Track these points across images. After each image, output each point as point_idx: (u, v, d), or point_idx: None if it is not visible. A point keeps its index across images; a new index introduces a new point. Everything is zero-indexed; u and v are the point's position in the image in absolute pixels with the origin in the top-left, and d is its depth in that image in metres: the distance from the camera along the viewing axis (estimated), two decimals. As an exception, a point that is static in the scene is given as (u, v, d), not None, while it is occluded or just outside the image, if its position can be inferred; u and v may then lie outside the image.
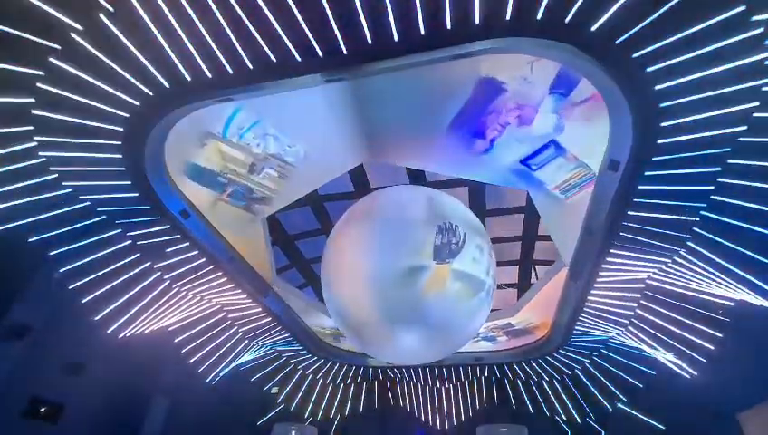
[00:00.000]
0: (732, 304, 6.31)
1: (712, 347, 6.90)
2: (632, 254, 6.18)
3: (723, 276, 5.59)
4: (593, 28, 3.75)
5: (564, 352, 9.38)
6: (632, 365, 8.92)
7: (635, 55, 3.90)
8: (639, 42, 3.79)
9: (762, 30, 3.50)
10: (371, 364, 10.79)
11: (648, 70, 3.99)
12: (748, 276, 5.36)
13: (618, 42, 3.82)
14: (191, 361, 8.57)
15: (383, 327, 6.12)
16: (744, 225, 5.04)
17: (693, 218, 5.26)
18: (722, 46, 3.68)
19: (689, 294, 6.60)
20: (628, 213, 5.54)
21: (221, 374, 9.25)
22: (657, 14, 3.52)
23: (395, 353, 7.07)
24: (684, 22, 3.57)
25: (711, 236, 5.37)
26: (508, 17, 3.75)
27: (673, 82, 4.06)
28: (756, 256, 5.15)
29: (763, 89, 3.91)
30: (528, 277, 11.46)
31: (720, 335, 6.76)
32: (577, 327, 8.40)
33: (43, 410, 7.66)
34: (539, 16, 3.73)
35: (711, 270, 5.67)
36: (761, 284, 5.32)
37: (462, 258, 5.79)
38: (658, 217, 5.43)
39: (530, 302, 8.67)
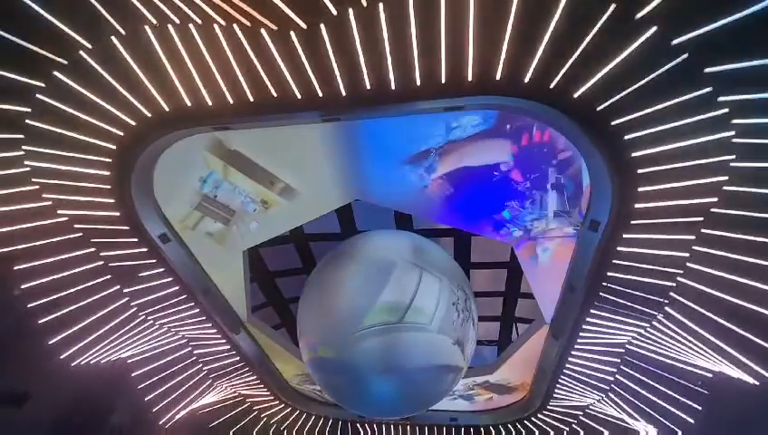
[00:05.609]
0: (710, 375, 6.24)
1: (692, 420, 6.72)
2: (611, 316, 6.17)
3: (700, 345, 5.58)
4: (576, 95, 4.03)
5: (543, 417, 9.01)
6: (612, 437, 8.59)
7: (614, 123, 4.17)
8: (618, 110, 4.06)
9: (727, 110, 3.79)
10: (341, 417, 10.16)
11: (626, 138, 4.25)
12: (725, 347, 5.36)
13: (599, 109, 4.10)
14: (147, 398, 7.95)
15: (355, 375, 5.85)
16: (720, 294, 5.13)
17: (670, 284, 5.35)
18: (692, 121, 3.96)
19: (668, 362, 6.53)
20: (608, 274, 5.62)
21: (177, 417, 8.56)
22: (634, 87, 3.81)
23: (365, 404, 6.71)
24: (658, 96, 3.87)
25: (688, 303, 5.42)
26: (498, 78, 4.02)
27: (649, 151, 4.30)
28: (732, 327, 5.19)
29: (731, 164, 4.16)
30: (509, 334, 11.25)
31: (699, 408, 6.61)
32: (557, 391, 8.15)
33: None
34: (526, 80, 4.01)
35: (689, 338, 5.66)
36: (737, 355, 5.31)
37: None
38: (636, 279, 5.51)
39: (509, 360, 8.44)
